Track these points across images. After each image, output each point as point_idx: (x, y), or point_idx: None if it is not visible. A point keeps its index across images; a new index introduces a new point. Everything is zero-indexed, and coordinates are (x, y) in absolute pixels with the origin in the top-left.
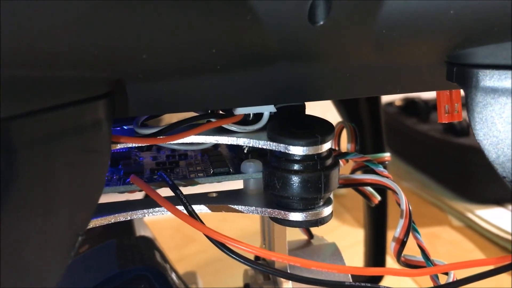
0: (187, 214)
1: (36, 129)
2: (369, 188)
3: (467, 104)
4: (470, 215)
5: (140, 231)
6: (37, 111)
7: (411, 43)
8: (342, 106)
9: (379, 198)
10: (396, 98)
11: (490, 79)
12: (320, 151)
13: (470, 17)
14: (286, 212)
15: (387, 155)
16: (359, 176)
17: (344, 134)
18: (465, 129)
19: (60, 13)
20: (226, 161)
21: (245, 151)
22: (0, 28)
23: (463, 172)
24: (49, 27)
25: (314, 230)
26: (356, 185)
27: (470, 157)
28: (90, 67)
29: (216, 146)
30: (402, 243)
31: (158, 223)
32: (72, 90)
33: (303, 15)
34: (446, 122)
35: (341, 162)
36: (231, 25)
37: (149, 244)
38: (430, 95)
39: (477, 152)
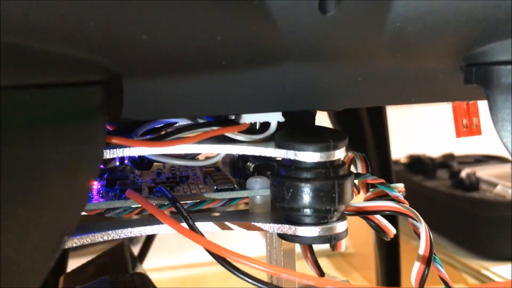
0: (187, 228)
1: (25, 104)
2: (384, 221)
3: (489, 105)
4: (486, 272)
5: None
6: (28, 86)
7: (426, 40)
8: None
9: (394, 231)
10: (401, 156)
11: None
12: (333, 158)
13: (487, 5)
14: (297, 227)
15: (400, 186)
16: (374, 203)
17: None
18: (474, 184)
19: None
20: (230, 178)
21: (251, 169)
22: None
23: (474, 228)
24: None
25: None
26: (371, 213)
27: (480, 212)
28: (85, 42)
29: (218, 169)
30: (424, 270)
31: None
32: (66, 69)
33: (313, 4)
34: (465, 137)
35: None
36: (237, 8)
37: (144, 280)
38: (435, 152)
39: (488, 206)
